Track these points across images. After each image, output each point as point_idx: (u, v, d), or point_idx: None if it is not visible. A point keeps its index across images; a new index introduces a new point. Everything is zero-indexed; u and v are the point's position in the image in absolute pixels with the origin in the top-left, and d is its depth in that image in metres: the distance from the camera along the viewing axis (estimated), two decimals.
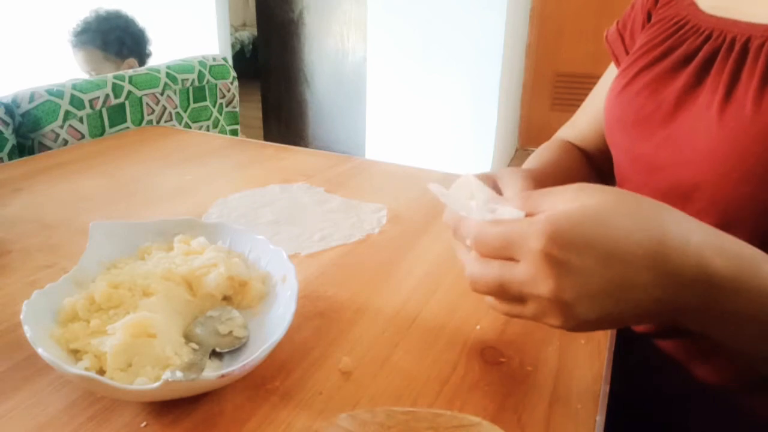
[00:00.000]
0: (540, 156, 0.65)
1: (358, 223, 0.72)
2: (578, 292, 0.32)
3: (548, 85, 3.30)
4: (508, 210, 0.36)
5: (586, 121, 0.71)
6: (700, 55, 0.51)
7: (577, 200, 0.34)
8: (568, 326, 0.34)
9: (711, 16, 0.53)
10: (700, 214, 0.48)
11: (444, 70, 2.67)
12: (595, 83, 0.73)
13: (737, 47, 0.48)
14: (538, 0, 3.13)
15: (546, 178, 0.56)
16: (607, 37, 0.68)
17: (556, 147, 0.68)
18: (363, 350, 0.48)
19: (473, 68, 2.62)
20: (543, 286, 0.32)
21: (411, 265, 0.62)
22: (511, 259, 0.34)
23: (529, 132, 3.43)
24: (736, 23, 0.50)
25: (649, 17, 0.61)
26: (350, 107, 3.15)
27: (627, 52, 0.63)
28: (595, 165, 0.70)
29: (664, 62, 0.54)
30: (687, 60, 0.52)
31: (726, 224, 0.47)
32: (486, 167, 2.70)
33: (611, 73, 0.68)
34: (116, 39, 1.70)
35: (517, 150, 3.46)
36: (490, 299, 0.37)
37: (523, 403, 0.42)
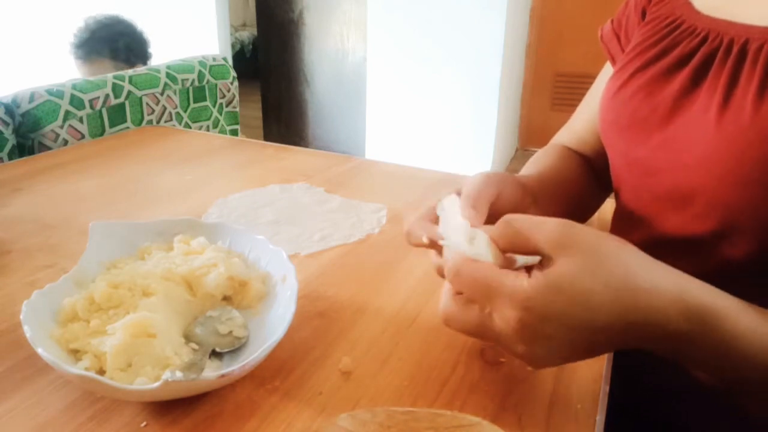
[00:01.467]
0: (537, 162, 0.64)
1: (358, 223, 0.72)
2: (548, 352, 0.35)
3: (548, 85, 3.30)
4: (483, 244, 0.36)
5: (582, 123, 0.70)
6: (697, 57, 0.50)
7: (559, 256, 0.34)
8: (534, 367, 0.39)
9: (707, 17, 0.51)
10: (697, 219, 0.48)
11: (444, 70, 2.67)
12: (589, 89, 0.72)
13: (735, 49, 0.47)
14: (538, 0, 3.13)
15: (539, 185, 0.56)
16: (602, 36, 0.67)
17: (553, 152, 0.67)
18: (363, 350, 0.48)
19: (473, 68, 2.62)
20: (516, 345, 0.35)
21: (411, 265, 0.62)
22: (485, 305, 0.36)
23: (529, 132, 3.43)
24: (733, 24, 0.49)
25: (643, 15, 0.60)
26: (350, 107, 3.15)
27: (623, 51, 0.62)
28: (593, 168, 0.69)
29: (659, 64, 0.53)
30: (683, 62, 0.51)
31: (724, 228, 0.47)
32: (486, 167, 2.70)
33: (607, 72, 0.67)
34: (124, 46, 1.63)
35: (517, 150, 3.46)
36: (444, 304, 0.39)
37: (523, 403, 0.42)
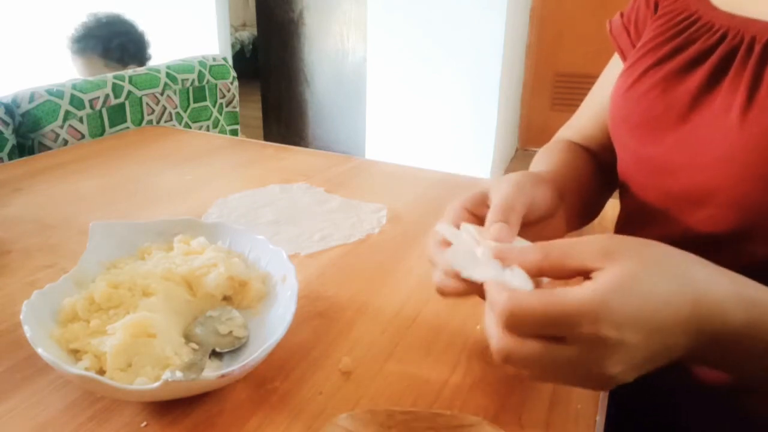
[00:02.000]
0: (551, 157, 0.62)
1: (358, 223, 0.72)
2: (624, 367, 0.33)
3: (548, 85, 3.30)
4: (522, 278, 0.34)
5: (588, 118, 0.69)
6: (716, 54, 0.48)
7: (611, 264, 0.33)
8: (602, 389, 0.36)
9: (725, 13, 0.50)
10: (714, 218, 0.47)
11: (444, 70, 2.67)
12: (595, 83, 0.71)
13: (758, 48, 0.46)
14: (538, 0, 3.13)
15: (562, 180, 0.54)
16: (611, 29, 0.65)
17: (563, 147, 0.65)
18: (363, 350, 0.48)
19: (473, 68, 2.62)
20: (594, 365, 0.33)
21: (411, 265, 0.62)
22: (553, 336, 0.33)
23: (529, 132, 3.43)
24: (754, 22, 0.47)
25: (656, 8, 0.59)
26: (350, 107, 3.15)
27: (633, 45, 0.61)
28: (599, 163, 0.68)
29: (675, 61, 0.51)
30: (700, 59, 0.49)
31: (742, 227, 0.46)
32: (486, 167, 2.70)
33: (615, 67, 0.66)
34: (118, 45, 1.64)
35: (517, 150, 3.46)
36: (499, 341, 0.35)
37: (523, 403, 0.42)
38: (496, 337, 0.34)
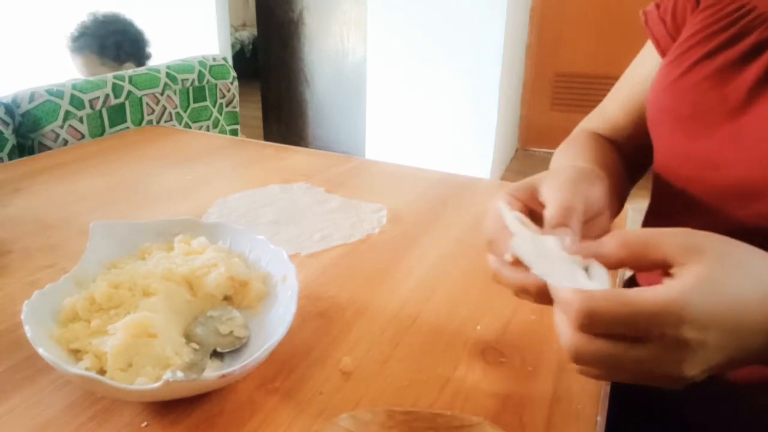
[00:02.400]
0: (580, 151, 0.59)
1: (358, 223, 0.72)
2: (702, 368, 0.32)
3: (548, 85, 3.30)
4: (603, 275, 0.33)
5: (617, 108, 0.67)
6: None
7: (695, 261, 0.32)
8: (675, 387, 0.33)
9: None
10: (762, 215, 0.46)
11: (444, 70, 2.67)
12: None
13: None
14: (538, 0, 3.13)
15: (605, 175, 0.50)
16: (646, 20, 0.63)
17: (593, 140, 0.63)
18: (363, 350, 0.48)
19: (473, 68, 2.62)
20: (672, 366, 0.32)
21: (411, 265, 0.62)
22: (630, 336, 0.32)
23: (529, 132, 3.43)
24: None
25: (697, 1, 0.57)
26: (350, 107, 3.15)
27: (671, 36, 0.60)
28: (625, 155, 0.65)
29: (729, 52, 0.50)
30: (757, 51, 0.48)
31: None
32: (486, 167, 2.70)
33: (648, 59, 0.64)
34: (114, 43, 1.66)
35: (517, 150, 3.46)
36: (571, 340, 0.33)
37: (523, 403, 0.42)
38: (567, 335, 0.33)
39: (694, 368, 0.32)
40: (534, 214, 0.41)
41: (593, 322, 0.32)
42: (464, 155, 2.72)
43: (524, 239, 0.37)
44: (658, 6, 0.63)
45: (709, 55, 0.51)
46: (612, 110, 0.67)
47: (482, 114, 2.66)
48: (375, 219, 0.73)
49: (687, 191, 0.54)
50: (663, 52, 0.61)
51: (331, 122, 3.26)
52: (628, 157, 0.65)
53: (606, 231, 0.46)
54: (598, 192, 0.42)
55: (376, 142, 2.94)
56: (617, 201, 0.55)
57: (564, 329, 0.34)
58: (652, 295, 0.31)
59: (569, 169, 0.42)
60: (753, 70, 0.47)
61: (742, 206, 0.48)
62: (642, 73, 0.64)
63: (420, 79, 2.73)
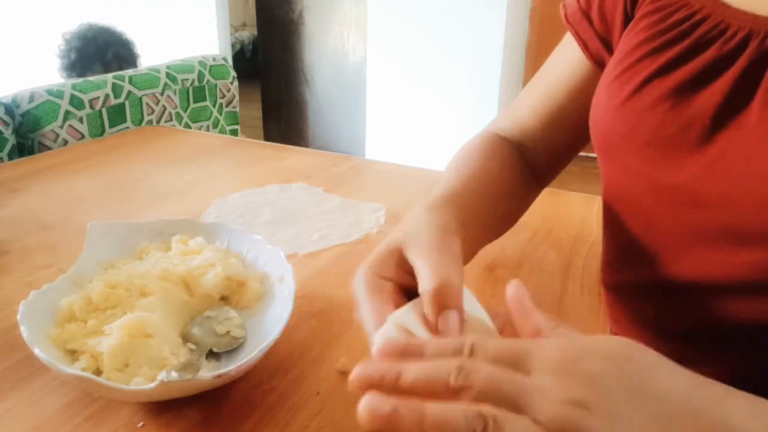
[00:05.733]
0: (458, 170, 0.54)
1: (357, 222, 0.72)
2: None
3: None
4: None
5: (527, 109, 0.60)
6: (741, 61, 0.41)
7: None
8: None
9: (744, 13, 0.42)
10: (753, 266, 0.40)
11: (444, 70, 2.67)
12: (540, 70, 0.64)
13: None
14: (538, 0, 3.13)
15: (466, 202, 0.47)
16: (566, 16, 0.57)
17: (475, 157, 0.57)
18: (360, 350, 0.48)
19: (473, 68, 2.62)
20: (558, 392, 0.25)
21: None
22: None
23: None
24: None
25: (633, 3, 0.50)
26: (350, 107, 3.15)
27: (597, 36, 0.53)
28: (528, 161, 0.59)
29: (686, 68, 0.43)
30: (719, 67, 0.42)
31: None
32: None
33: (570, 56, 0.57)
34: (114, 56, 1.60)
35: None
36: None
37: None
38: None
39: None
40: (402, 286, 0.38)
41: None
42: None
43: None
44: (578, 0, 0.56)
45: (662, 71, 0.45)
46: (521, 110, 0.61)
47: (482, 114, 2.65)
48: (373, 219, 0.73)
49: (648, 225, 0.48)
50: (592, 56, 0.54)
51: (331, 122, 3.26)
52: (535, 161, 0.59)
53: (465, 259, 0.41)
54: (458, 252, 0.38)
55: (376, 142, 2.94)
56: (485, 224, 0.50)
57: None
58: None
59: (430, 230, 0.38)
60: (716, 91, 0.42)
61: (724, 252, 0.42)
62: (561, 70, 0.58)
63: (420, 79, 2.73)
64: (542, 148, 0.59)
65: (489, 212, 0.51)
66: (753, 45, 0.41)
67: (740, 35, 0.42)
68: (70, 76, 1.60)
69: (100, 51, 1.61)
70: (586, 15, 0.54)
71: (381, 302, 0.36)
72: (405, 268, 0.38)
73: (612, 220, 0.53)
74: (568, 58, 0.57)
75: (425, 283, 0.34)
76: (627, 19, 0.51)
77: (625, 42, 0.49)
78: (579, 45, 0.55)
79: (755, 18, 0.42)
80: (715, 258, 0.43)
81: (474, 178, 0.51)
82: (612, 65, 0.50)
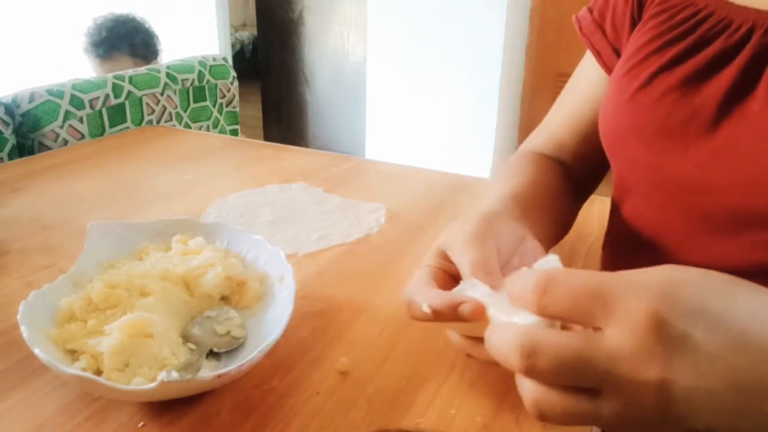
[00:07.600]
0: (517, 175, 0.55)
1: (357, 222, 0.72)
2: (693, 383, 0.23)
3: (548, 85, 3.29)
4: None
5: (561, 125, 0.62)
6: (745, 53, 0.43)
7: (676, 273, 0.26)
8: None
9: (746, 8, 0.44)
10: (757, 247, 0.42)
11: (444, 70, 2.67)
12: (566, 86, 0.63)
13: None
14: (538, 0, 3.13)
15: (524, 199, 0.48)
16: (580, 27, 0.59)
17: (530, 163, 0.58)
18: (361, 350, 0.48)
19: (473, 68, 2.62)
20: (646, 367, 0.23)
21: (409, 264, 0.62)
22: (590, 325, 0.26)
23: (529, 132, 3.39)
24: None
25: (639, 6, 0.53)
26: (350, 107, 3.15)
27: (613, 47, 0.56)
28: (571, 176, 0.61)
29: (692, 61, 0.45)
30: (724, 60, 0.44)
31: None
32: (486, 167, 2.70)
33: (590, 69, 0.59)
34: (141, 42, 1.63)
35: (517, 150, 3.46)
36: (530, 392, 0.28)
37: (521, 403, 0.42)
38: (528, 387, 0.28)
39: (678, 379, 0.23)
40: (457, 278, 0.40)
41: (539, 364, 0.26)
42: (464, 155, 2.72)
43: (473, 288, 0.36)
44: (590, 10, 0.58)
45: (670, 65, 0.47)
46: (555, 128, 0.63)
47: (482, 114, 2.65)
48: (373, 219, 0.73)
49: (659, 219, 0.50)
50: (606, 65, 0.57)
51: (331, 122, 3.26)
52: (576, 175, 0.61)
53: (538, 251, 0.43)
54: (507, 235, 0.41)
55: (376, 141, 2.94)
56: (549, 224, 0.51)
57: (521, 382, 0.29)
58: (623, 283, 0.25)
59: (471, 221, 0.42)
60: (721, 81, 0.44)
61: (733, 237, 0.44)
62: (585, 86, 0.60)
63: (420, 79, 2.73)
64: (579, 164, 0.61)
65: (553, 208, 0.54)
66: (756, 37, 0.43)
67: (744, 29, 0.44)
68: (95, 53, 1.62)
69: (130, 34, 1.63)
70: (600, 27, 0.57)
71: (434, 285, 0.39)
72: (450, 260, 0.41)
73: (615, 219, 0.54)
74: (589, 74, 0.60)
75: (463, 273, 0.39)
76: (634, 22, 0.54)
77: (633, 41, 0.52)
78: (593, 55, 0.58)
79: (758, 12, 0.44)
80: (722, 245, 0.44)
81: (531, 182, 0.54)
82: (620, 63, 0.52)
